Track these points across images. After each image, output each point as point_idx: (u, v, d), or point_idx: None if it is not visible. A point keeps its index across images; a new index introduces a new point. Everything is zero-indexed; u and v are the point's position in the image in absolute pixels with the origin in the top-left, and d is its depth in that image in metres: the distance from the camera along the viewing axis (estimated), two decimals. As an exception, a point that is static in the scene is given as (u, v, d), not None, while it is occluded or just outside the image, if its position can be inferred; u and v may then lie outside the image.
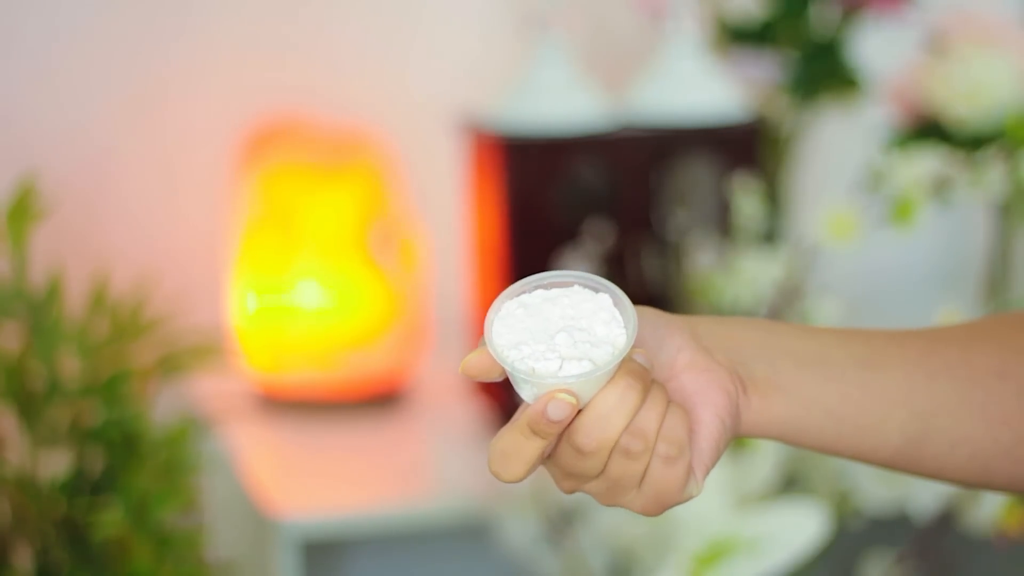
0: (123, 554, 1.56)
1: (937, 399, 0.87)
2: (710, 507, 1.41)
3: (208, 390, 1.97)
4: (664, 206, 1.85)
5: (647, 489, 0.81)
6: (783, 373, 0.85)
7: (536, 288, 0.82)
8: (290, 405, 1.95)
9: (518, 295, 0.82)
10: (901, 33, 2.02)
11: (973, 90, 1.86)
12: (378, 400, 1.96)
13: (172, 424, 1.62)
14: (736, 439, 0.86)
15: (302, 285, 1.95)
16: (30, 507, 1.59)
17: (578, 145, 1.82)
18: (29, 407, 1.59)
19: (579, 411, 0.79)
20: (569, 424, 0.79)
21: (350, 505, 1.71)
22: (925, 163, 1.61)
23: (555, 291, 0.81)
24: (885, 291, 2.30)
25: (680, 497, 0.81)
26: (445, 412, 1.95)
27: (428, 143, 2.12)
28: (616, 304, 0.81)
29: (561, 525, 1.54)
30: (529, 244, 1.82)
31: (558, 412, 0.78)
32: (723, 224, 1.85)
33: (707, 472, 0.82)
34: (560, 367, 0.78)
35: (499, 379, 0.81)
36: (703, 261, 1.80)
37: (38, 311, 1.59)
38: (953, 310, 1.60)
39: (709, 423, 0.82)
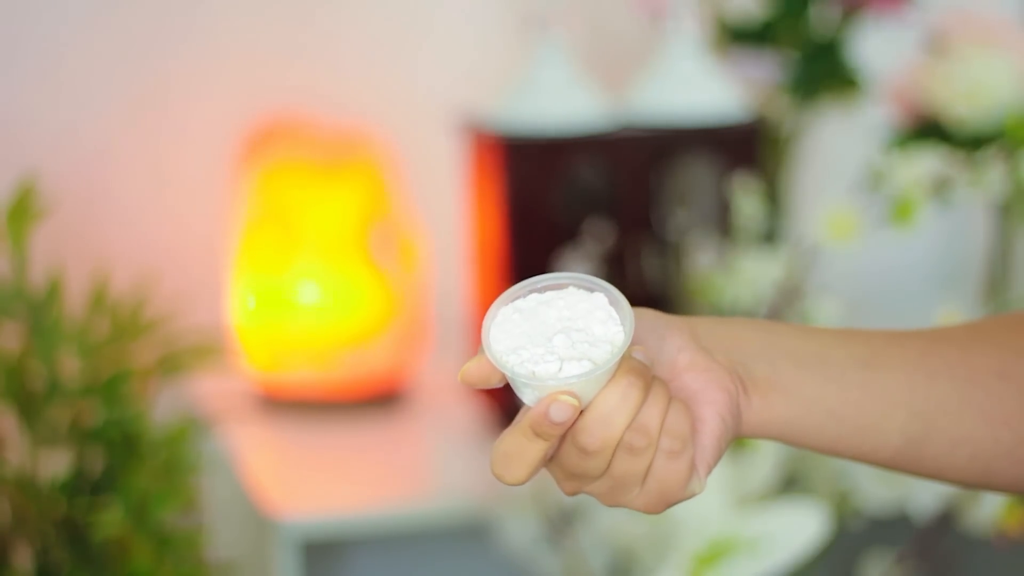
0: (123, 554, 1.56)
1: (937, 399, 0.87)
2: (710, 507, 1.41)
3: (208, 390, 1.97)
4: (664, 206, 1.85)
5: (650, 485, 0.81)
6: (783, 373, 0.85)
7: (530, 292, 0.82)
8: (290, 405, 1.95)
9: (513, 300, 0.82)
10: (901, 33, 2.02)
11: (973, 90, 1.86)
12: (378, 400, 1.96)
13: (172, 424, 1.62)
14: (737, 440, 0.86)
15: (302, 285, 1.95)
16: (30, 507, 1.59)
17: (578, 145, 1.82)
18: (29, 407, 1.59)
19: (581, 411, 0.79)
20: (572, 425, 0.79)
21: (350, 505, 1.71)
22: (925, 163, 1.61)
23: (549, 294, 0.81)
24: (885, 291, 2.30)
25: (683, 494, 0.81)
26: (445, 412, 1.95)
27: (428, 143, 2.12)
28: (612, 302, 0.81)
29: (561, 525, 1.54)
30: (529, 244, 1.82)
31: (561, 414, 0.78)
32: (723, 224, 1.85)
33: (709, 470, 0.82)
34: (560, 368, 0.78)
35: (499, 385, 0.81)
36: (703, 261, 1.80)
37: (38, 311, 1.59)
38: (953, 310, 1.60)
39: (711, 421, 0.82)
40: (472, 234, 1.93)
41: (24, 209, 1.59)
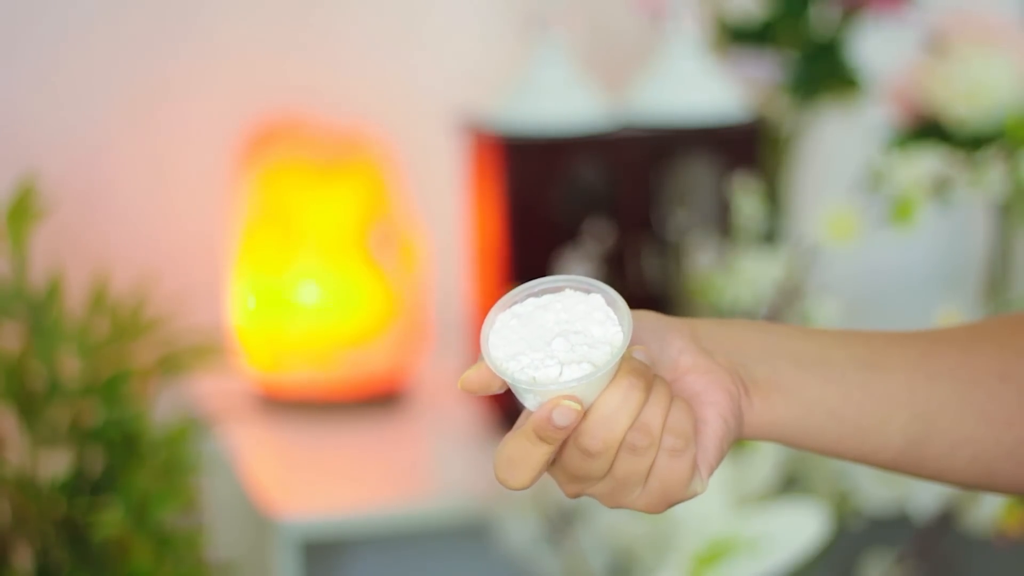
0: (123, 554, 1.56)
1: (938, 401, 0.87)
2: (710, 507, 1.41)
3: (208, 390, 1.97)
4: (664, 206, 1.85)
5: (652, 485, 0.81)
6: (784, 374, 0.85)
7: (527, 297, 0.82)
8: (290, 405, 1.95)
9: (510, 306, 0.81)
10: (901, 33, 2.02)
11: (973, 90, 1.86)
12: (378, 400, 1.96)
13: (172, 424, 1.62)
14: (739, 441, 0.86)
15: (302, 285, 1.95)
16: (30, 507, 1.58)
17: (578, 145, 1.82)
18: (29, 407, 1.59)
19: (584, 412, 0.79)
20: (575, 427, 0.79)
21: (350, 505, 1.71)
22: (925, 163, 1.61)
23: (546, 297, 0.81)
24: (885, 291, 2.30)
25: (685, 493, 0.81)
26: (445, 412, 1.95)
27: (428, 143, 2.12)
28: (609, 303, 0.80)
29: (561, 525, 1.54)
30: (529, 244, 1.82)
31: (564, 418, 0.78)
32: (723, 224, 1.85)
33: (711, 471, 0.82)
34: (560, 373, 0.78)
35: (500, 391, 0.81)
36: (703, 261, 1.80)
37: (38, 311, 1.59)
38: (953, 310, 1.60)
39: (713, 422, 0.82)
40: (472, 234, 1.93)
41: (24, 209, 1.59)
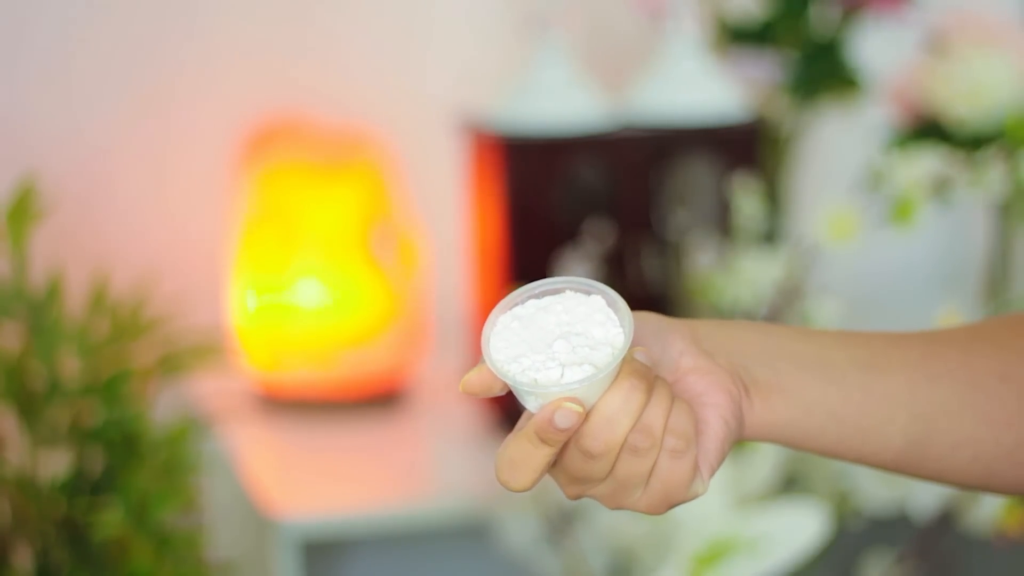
0: (123, 554, 1.56)
1: (938, 402, 0.87)
2: (710, 507, 1.41)
3: (208, 390, 1.97)
4: (664, 206, 1.85)
5: (654, 486, 0.81)
6: (784, 376, 0.85)
7: (528, 298, 0.82)
8: (290, 405, 1.95)
9: (511, 308, 0.81)
10: (901, 33, 2.02)
11: (973, 90, 1.86)
12: (378, 400, 1.96)
13: (172, 424, 1.62)
14: (739, 443, 0.86)
15: (302, 285, 1.95)
16: (30, 507, 1.58)
17: (578, 145, 1.82)
18: (29, 407, 1.59)
19: (585, 414, 0.79)
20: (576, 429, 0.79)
21: (350, 505, 1.71)
22: (925, 163, 1.61)
23: (547, 299, 0.81)
24: (885, 291, 2.30)
25: (686, 494, 0.81)
26: (445, 412, 1.95)
27: (428, 143, 2.12)
28: (610, 304, 0.80)
29: (561, 525, 1.54)
30: (529, 244, 1.82)
31: (566, 420, 0.78)
32: (723, 224, 1.85)
33: (713, 472, 0.82)
34: (562, 375, 0.78)
35: (502, 393, 0.81)
36: (703, 261, 1.80)
37: (38, 311, 1.59)
38: (953, 310, 1.60)
39: (714, 424, 0.82)
40: (472, 234, 1.93)
41: (24, 209, 1.59)
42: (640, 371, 0.79)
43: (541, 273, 1.77)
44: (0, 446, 1.60)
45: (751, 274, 1.65)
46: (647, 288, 1.84)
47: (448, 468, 1.84)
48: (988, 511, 1.56)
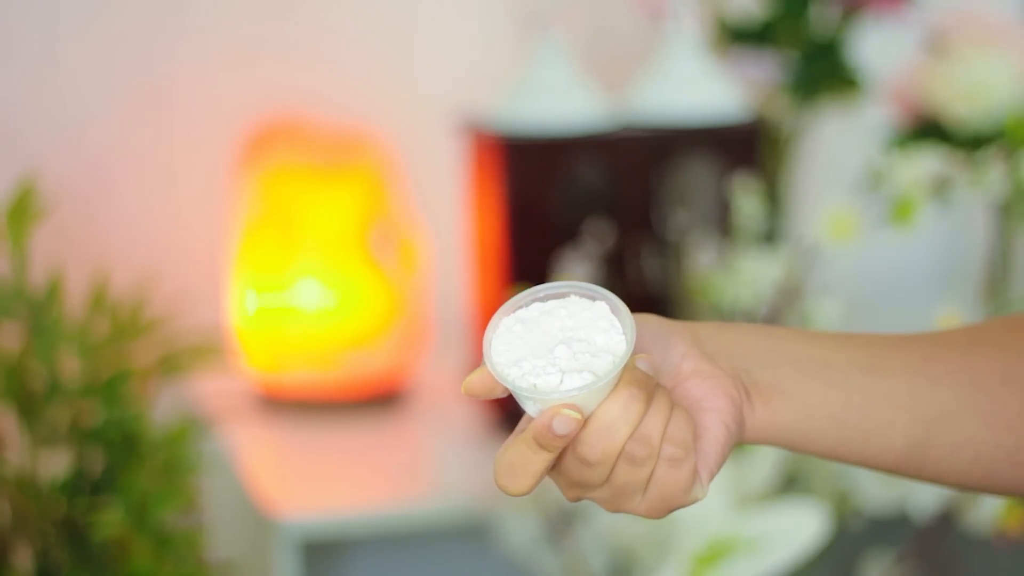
0: (123, 554, 1.56)
1: (940, 404, 0.87)
2: (710, 507, 1.41)
3: (208, 390, 1.97)
4: (664, 206, 1.85)
5: (652, 492, 0.81)
6: (785, 379, 0.85)
7: (532, 302, 0.81)
8: (290, 405, 1.95)
9: (515, 310, 0.81)
10: (901, 33, 2.02)
11: (973, 90, 1.86)
12: (378, 400, 1.96)
13: (172, 424, 1.62)
14: (740, 445, 0.86)
15: (302, 285, 1.95)
16: (30, 507, 1.58)
17: (578, 145, 1.82)
18: (29, 407, 1.59)
19: (584, 421, 0.78)
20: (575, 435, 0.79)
21: (350, 505, 1.71)
22: (925, 163, 1.61)
23: (552, 303, 0.81)
24: (885, 291, 2.30)
25: (685, 500, 0.81)
26: (445, 412, 1.95)
27: (428, 143, 2.12)
28: (614, 311, 0.80)
29: (561, 525, 1.54)
30: (529, 244, 1.82)
31: (564, 427, 0.78)
32: (723, 224, 1.85)
33: (712, 476, 0.82)
34: (561, 381, 0.78)
35: (503, 395, 0.81)
36: (703, 261, 1.80)
37: (38, 311, 1.59)
38: (953, 310, 1.60)
39: (714, 428, 0.82)
40: (472, 234, 1.93)
41: (24, 209, 1.59)
42: (640, 380, 0.79)
43: (541, 273, 1.77)
44: (0, 446, 1.60)
45: (751, 274, 1.65)
46: (647, 288, 1.84)
47: (448, 468, 1.84)
48: (988, 511, 1.56)
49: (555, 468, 0.81)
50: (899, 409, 0.86)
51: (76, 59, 2.05)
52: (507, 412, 1.82)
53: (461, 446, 1.85)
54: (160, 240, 2.08)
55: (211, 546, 1.71)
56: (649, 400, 0.79)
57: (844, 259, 1.78)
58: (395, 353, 1.97)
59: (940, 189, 1.64)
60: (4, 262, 1.61)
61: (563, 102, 1.83)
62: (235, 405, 1.95)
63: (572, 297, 0.81)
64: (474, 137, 1.88)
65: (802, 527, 1.41)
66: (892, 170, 1.60)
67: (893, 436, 0.86)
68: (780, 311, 1.57)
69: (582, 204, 1.83)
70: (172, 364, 1.64)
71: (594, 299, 0.81)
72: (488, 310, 1.85)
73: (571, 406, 0.77)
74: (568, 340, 0.79)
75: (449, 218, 2.09)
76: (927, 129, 1.92)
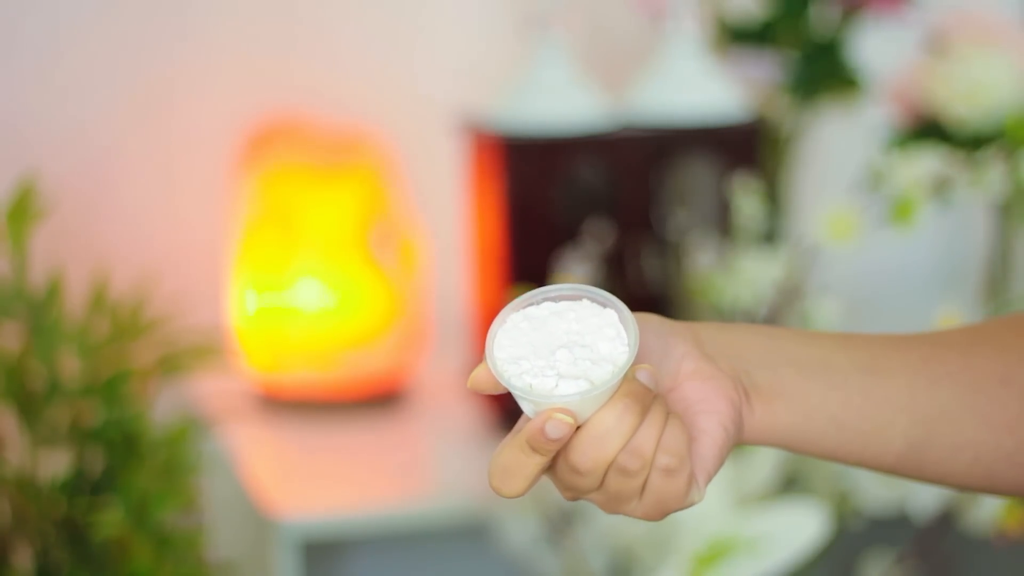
0: (123, 554, 1.56)
1: (939, 405, 0.87)
2: (710, 507, 1.41)
3: (208, 390, 1.97)
4: (664, 206, 1.85)
5: (648, 499, 0.80)
6: (785, 380, 0.85)
7: (544, 300, 0.81)
8: (290, 405, 1.95)
9: (525, 307, 0.81)
10: (901, 33, 2.02)
11: (973, 90, 1.86)
12: (378, 400, 1.96)
13: (172, 424, 1.62)
14: (739, 446, 0.86)
15: (302, 285, 1.95)
16: (30, 507, 1.58)
17: (578, 145, 1.82)
18: (29, 407, 1.59)
19: (578, 427, 0.78)
20: (568, 440, 0.79)
21: (350, 505, 1.71)
22: (925, 163, 1.61)
23: (564, 304, 0.80)
24: (885, 291, 2.30)
25: (681, 505, 0.81)
26: (445, 412, 1.95)
27: (428, 143, 2.12)
28: (621, 320, 0.80)
29: (561, 525, 1.54)
30: (529, 244, 1.82)
31: (556, 431, 0.77)
32: (723, 224, 1.85)
33: (709, 479, 0.82)
34: (556, 385, 0.78)
35: (507, 391, 0.80)
36: (703, 261, 1.80)
37: (38, 311, 1.59)
38: (953, 310, 1.60)
39: (713, 431, 0.82)
40: (472, 234, 1.93)
41: (24, 209, 1.59)
42: (638, 392, 0.78)
43: (541, 273, 1.77)
44: (0, 446, 1.60)
45: (751, 274, 1.65)
46: (647, 288, 1.84)
47: (448, 468, 1.84)
48: (988, 511, 1.56)
49: (550, 470, 0.81)
50: (899, 410, 0.86)
51: (76, 59, 2.05)
52: (507, 412, 1.82)
53: (461, 446, 1.85)
54: (160, 240, 2.08)
55: (211, 546, 1.71)
56: (644, 413, 0.78)
57: (844, 259, 1.78)
58: (395, 353, 1.97)
59: (940, 189, 1.64)
60: (4, 262, 1.61)
61: (563, 102, 1.83)
62: (235, 405, 1.95)
63: (584, 301, 0.80)
64: (474, 137, 1.88)
65: (802, 527, 1.41)
66: (892, 170, 1.60)
67: (893, 437, 0.86)
68: (780, 311, 1.57)
69: (582, 204, 1.83)
70: (172, 364, 1.64)
71: (604, 306, 0.80)
72: (488, 310, 1.85)
73: (565, 410, 0.77)
74: (571, 344, 0.79)
75: (449, 218, 2.09)
76: (927, 129, 1.92)
